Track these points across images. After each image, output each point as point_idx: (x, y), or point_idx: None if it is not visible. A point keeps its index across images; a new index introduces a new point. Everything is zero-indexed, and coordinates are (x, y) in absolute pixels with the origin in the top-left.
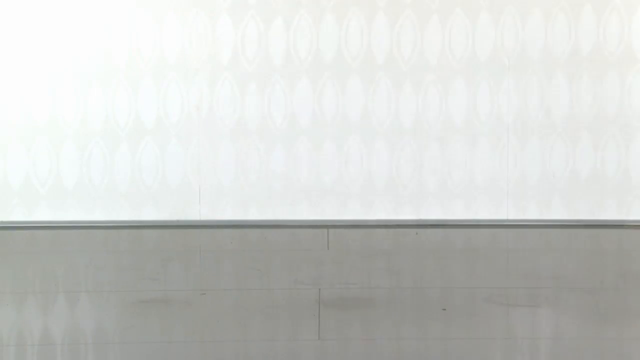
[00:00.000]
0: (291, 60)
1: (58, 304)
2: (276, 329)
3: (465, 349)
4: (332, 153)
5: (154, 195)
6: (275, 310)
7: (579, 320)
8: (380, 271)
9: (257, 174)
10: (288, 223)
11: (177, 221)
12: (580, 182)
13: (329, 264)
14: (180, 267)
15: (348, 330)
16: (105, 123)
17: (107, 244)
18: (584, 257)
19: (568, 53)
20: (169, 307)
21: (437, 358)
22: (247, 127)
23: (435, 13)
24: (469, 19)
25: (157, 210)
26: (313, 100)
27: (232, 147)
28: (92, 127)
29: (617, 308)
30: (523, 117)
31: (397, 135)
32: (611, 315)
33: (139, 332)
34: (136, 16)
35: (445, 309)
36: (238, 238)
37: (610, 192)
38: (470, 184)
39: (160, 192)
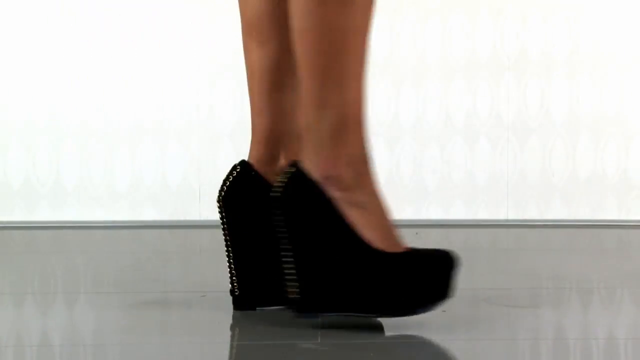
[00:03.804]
0: None
1: (57, 304)
2: (276, 330)
3: (465, 350)
4: None
5: (154, 195)
6: (274, 311)
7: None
8: None
9: None
10: None
11: (177, 221)
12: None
13: None
14: (180, 268)
15: (349, 332)
16: (105, 123)
17: (107, 244)
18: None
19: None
20: (168, 309)
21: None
22: (247, 127)
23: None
24: (468, 18)
25: (157, 210)
26: None
27: (232, 147)
28: (92, 127)
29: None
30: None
31: (397, 135)
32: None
33: (138, 333)
34: (137, 16)
35: (444, 311)
36: None
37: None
38: (470, 183)
39: (160, 192)
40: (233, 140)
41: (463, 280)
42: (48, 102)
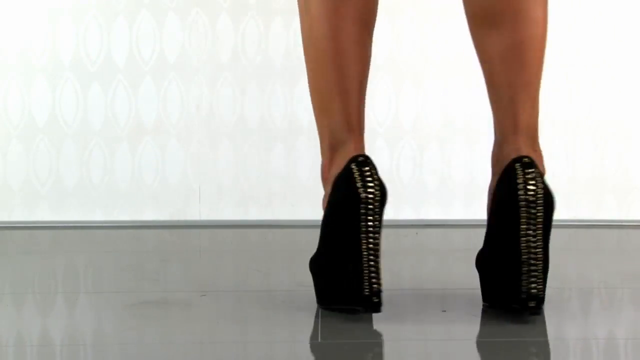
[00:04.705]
0: (290, 59)
1: (57, 304)
2: (277, 330)
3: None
4: None
5: (154, 195)
6: (275, 311)
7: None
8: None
9: (257, 174)
10: (288, 223)
11: (177, 221)
12: None
13: None
14: (180, 268)
15: (349, 332)
16: (105, 123)
17: (107, 244)
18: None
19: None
20: (168, 309)
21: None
22: (247, 127)
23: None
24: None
25: (157, 210)
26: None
27: (232, 147)
28: (92, 127)
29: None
30: None
31: (397, 135)
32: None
33: (138, 333)
34: (137, 16)
35: (444, 311)
36: (238, 238)
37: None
38: (470, 183)
39: (160, 192)
40: (233, 140)
41: (463, 280)
42: (48, 102)
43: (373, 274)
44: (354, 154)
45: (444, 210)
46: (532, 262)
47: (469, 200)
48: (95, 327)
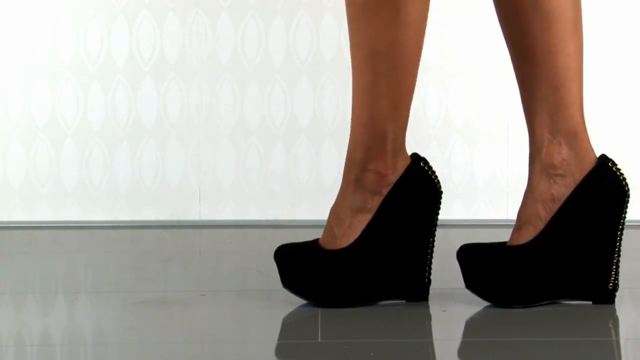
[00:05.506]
0: (291, 60)
1: (57, 304)
2: (276, 329)
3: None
4: (331, 152)
5: (154, 195)
6: (275, 311)
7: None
8: None
9: (257, 174)
10: (288, 223)
11: (177, 221)
12: None
13: None
14: (180, 268)
15: (349, 332)
16: (105, 123)
17: (107, 244)
18: None
19: None
20: (168, 309)
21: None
22: (247, 127)
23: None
24: (468, 18)
25: (157, 210)
26: (313, 100)
27: (232, 147)
28: (92, 127)
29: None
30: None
31: None
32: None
33: (138, 333)
34: (137, 16)
35: (444, 310)
36: (238, 238)
37: None
38: (470, 183)
39: (160, 192)
40: (233, 140)
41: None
42: (48, 102)
43: (430, 264)
44: (410, 155)
45: (443, 210)
46: (619, 254)
47: (469, 200)
48: (95, 327)
